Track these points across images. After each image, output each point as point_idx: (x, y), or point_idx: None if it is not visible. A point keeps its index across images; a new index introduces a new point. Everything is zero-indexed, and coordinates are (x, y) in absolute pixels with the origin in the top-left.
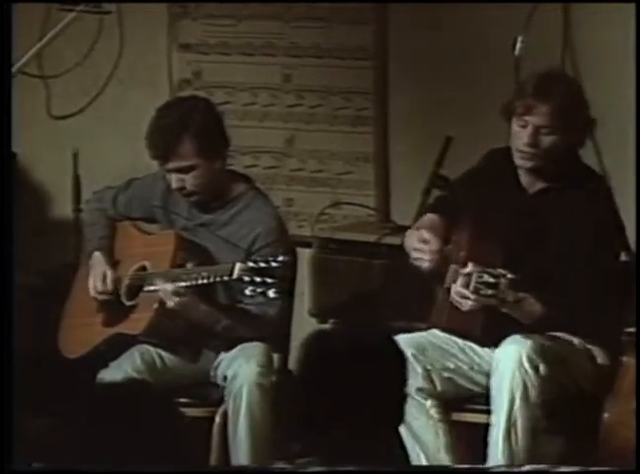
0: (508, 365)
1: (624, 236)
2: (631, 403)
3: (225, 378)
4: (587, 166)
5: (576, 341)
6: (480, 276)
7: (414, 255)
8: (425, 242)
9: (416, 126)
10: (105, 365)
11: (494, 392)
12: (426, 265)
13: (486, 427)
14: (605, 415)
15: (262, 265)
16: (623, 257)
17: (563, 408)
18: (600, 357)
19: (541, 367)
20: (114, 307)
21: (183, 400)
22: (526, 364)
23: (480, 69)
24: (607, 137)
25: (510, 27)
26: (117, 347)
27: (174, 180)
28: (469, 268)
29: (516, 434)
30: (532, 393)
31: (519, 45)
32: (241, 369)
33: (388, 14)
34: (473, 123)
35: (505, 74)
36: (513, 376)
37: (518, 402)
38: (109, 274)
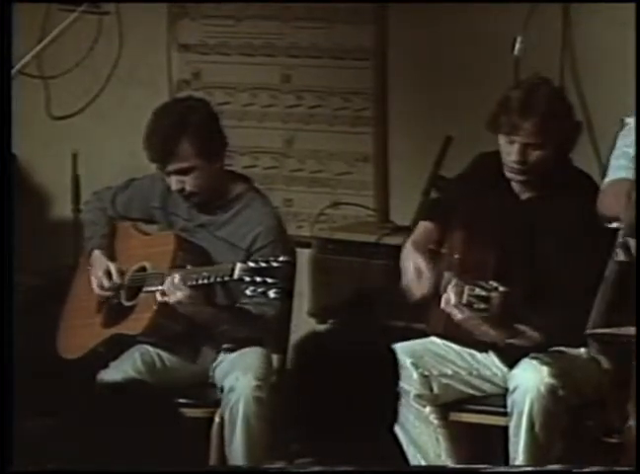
0: (527, 395)
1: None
2: None
3: (222, 388)
4: (575, 167)
5: (582, 350)
6: (472, 290)
7: (406, 281)
8: (420, 274)
9: (416, 126)
10: (104, 366)
11: (512, 414)
12: (417, 296)
13: (483, 426)
14: (631, 422)
15: (262, 265)
16: (621, 256)
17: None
18: (605, 363)
19: (560, 392)
20: (113, 308)
21: (182, 400)
22: (546, 393)
23: (480, 69)
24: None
25: (509, 27)
26: (116, 347)
27: (174, 182)
28: (462, 278)
29: (535, 449)
30: (552, 417)
31: (518, 46)
32: (238, 382)
33: (388, 14)
34: (473, 123)
35: (505, 74)
36: (532, 406)
37: (538, 425)
38: (112, 268)
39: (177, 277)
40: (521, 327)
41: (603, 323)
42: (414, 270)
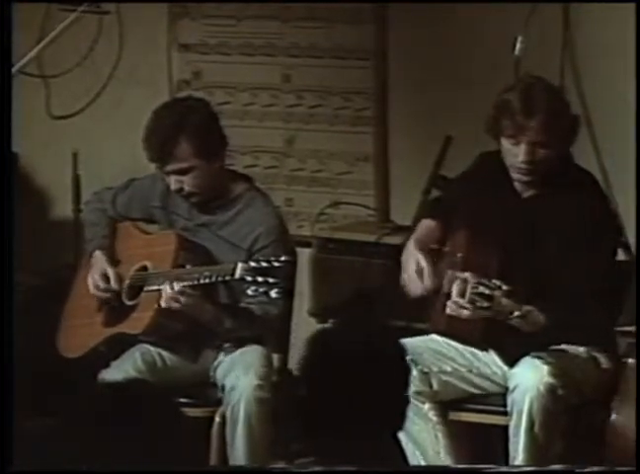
0: (527, 394)
1: (620, 233)
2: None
3: (223, 387)
4: (577, 165)
5: (582, 350)
6: (475, 288)
7: (406, 279)
8: (421, 274)
9: (416, 126)
10: (105, 365)
11: (512, 413)
12: (416, 294)
13: (483, 426)
14: (613, 417)
15: (264, 264)
16: (621, 255)
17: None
18: (605, 362)
19: (559, 391)
20: (114, 307)
21: (183, 400)
22: (546, 393)
23: (480, 69)
24: (607, 137)
25: (510, 27)
26: (117, 347)
27: (173, 181)
28: (465, 275)
29: (535, 448)
30: (551, 416)
31: (518, 46)
32: (239, 382)
33: (388, 14)
34: (473, 123)
35: (505, 74)
36: (531, 405)
37: (537, 424)
38: (110, 272)
39: (176, 285)
40: (528, 307)
41: (632, 321)
42: (415, 267)
